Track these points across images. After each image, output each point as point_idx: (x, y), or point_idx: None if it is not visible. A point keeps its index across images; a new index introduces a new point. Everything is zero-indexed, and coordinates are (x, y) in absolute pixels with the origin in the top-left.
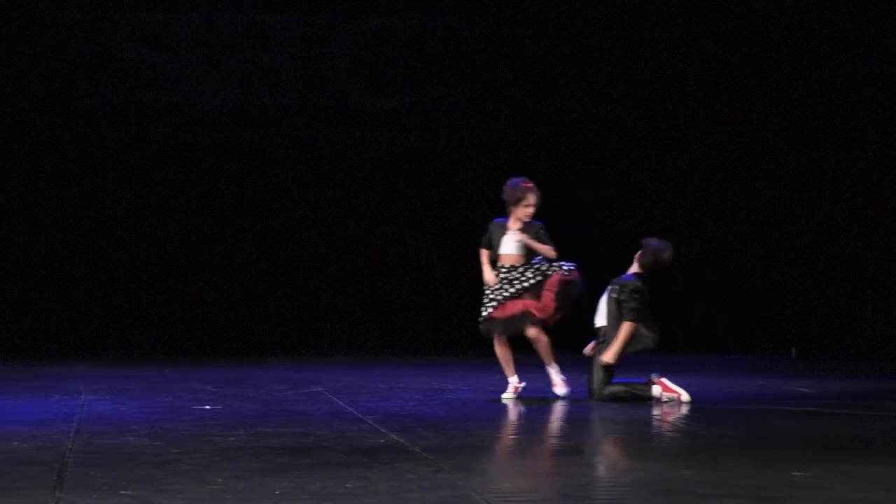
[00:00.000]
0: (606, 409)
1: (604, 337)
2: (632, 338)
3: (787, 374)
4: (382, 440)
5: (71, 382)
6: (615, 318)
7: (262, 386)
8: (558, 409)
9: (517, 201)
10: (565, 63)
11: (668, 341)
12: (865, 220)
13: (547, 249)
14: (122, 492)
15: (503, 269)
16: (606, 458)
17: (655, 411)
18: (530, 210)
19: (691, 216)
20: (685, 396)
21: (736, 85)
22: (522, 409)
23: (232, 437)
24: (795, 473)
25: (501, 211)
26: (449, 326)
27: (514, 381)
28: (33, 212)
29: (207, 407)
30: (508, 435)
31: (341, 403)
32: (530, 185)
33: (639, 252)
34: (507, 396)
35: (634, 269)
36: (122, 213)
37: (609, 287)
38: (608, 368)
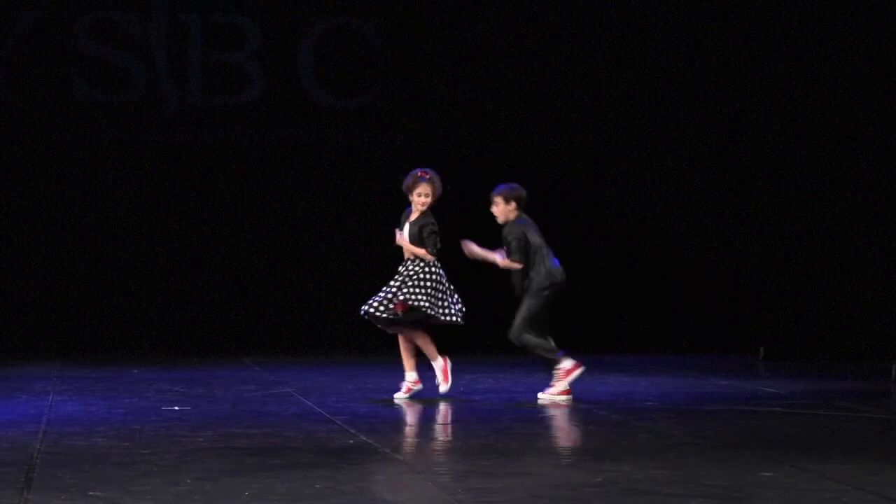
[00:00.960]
0: (567, 410)
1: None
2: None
3: (756, 375)
4: (351, 441)
5: (38, 383)
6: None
7: (231, 386)
8: (522, 410)
9: (409, 191)
10: (565, 63)
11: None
12: (865, 220)
13: (421, 252)
14: (90, 493)
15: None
16: (577, 458)
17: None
18: (423, 200)
19: (691, 216)
20: (564, 401)
21: (736, 85)
22: (483, 408)
23: (200, 438)
24: (764, 474)
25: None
26: (498, 328)
27: (410, 377)
28: (28, 212)
29: (176, 408)
30: (477, 434)
31: (310, 404)
32: (427, 174)
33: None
34: (400, 396)
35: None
36: (121, 213)
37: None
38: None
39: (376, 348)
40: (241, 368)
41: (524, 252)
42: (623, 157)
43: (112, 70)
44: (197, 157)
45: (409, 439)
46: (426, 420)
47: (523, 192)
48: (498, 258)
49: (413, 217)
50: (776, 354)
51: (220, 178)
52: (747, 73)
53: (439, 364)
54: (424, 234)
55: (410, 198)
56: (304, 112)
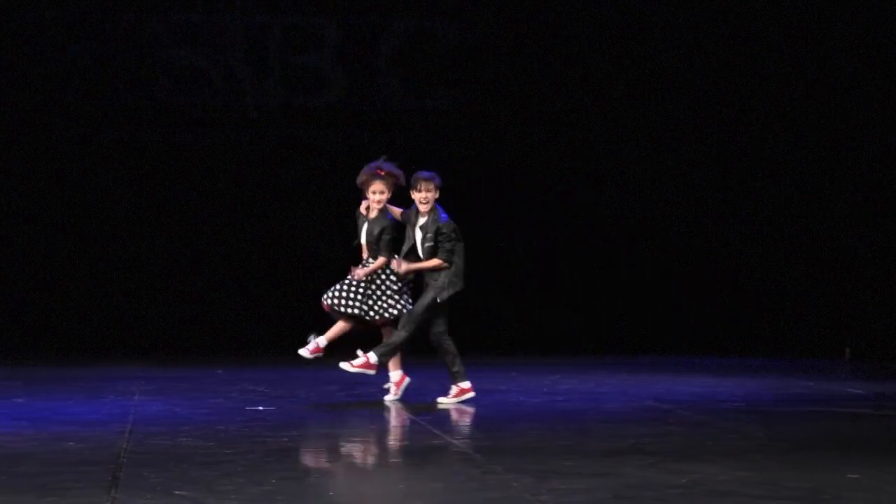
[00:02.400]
0: (642, 411)
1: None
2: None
3: (842, 376)
4: (434, 441)
5: (123, 383)
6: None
7: (314, 387)
8: (605, 410)
9: (362, 187)
10: (564, 63)
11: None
12: (865, 219)
13: (378, 263)
14: (175, 492)
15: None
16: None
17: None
18: (377, 197)
19: (691, 216)
20: (457, 411)
21: (736, 85)
22: (566, 408)
23: (284, 438)
24: (849, 476)
25: (500, 209)
26: (499, 327)
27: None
28: (50, 212)
29: (260, 408)
30: (560, 436)
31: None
32: (381, 172)
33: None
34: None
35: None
36: (128, 214)
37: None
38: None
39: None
40: (324, 368)
41: (454, 253)
42: (623, 157)
43: (191, 72)
44: (277, 157)
45: (491, 439)
46: (507, 420)
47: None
48: (433, 263)
49: (372, 215)
50: (862, 355)
51: (285, 179)
52: (747, 73)
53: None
54: (385, 238)
55: (365, 194)
56: (381, 114)
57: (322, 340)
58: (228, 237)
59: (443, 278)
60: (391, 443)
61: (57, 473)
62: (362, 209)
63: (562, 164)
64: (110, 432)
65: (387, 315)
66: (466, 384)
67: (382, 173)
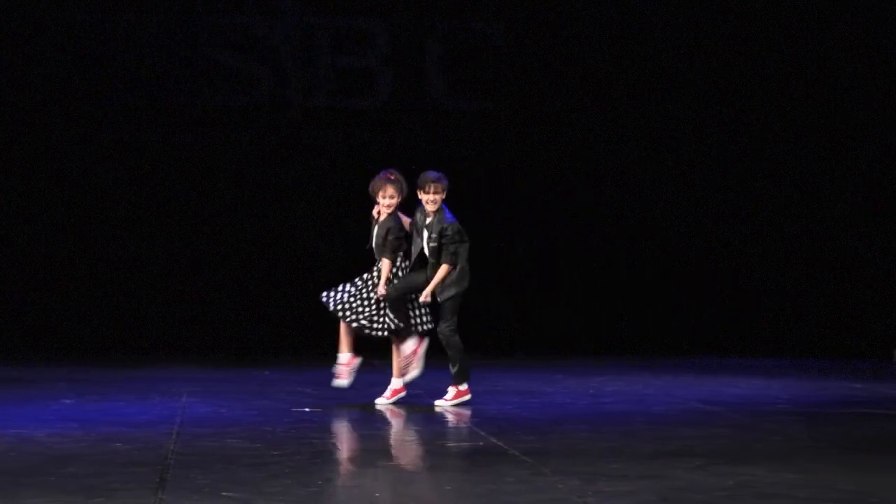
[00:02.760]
0: (694, 413)
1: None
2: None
3: (889, 378)
4: (481, 443)
5: (171, 384)
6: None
7: (361, 389)
8: (651, 413)
9: (374, 193)
10: (564, 63)
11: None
12: (865, 220)
13: (384, 265)
14: (222, 493)
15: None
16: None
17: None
18: (387, 202)
19: (691, 216)
20: (410, 376)
21: (736, 85)
22: (612, 410)
23: (330, 440)
24: None
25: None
26: (499, 327)
27: (344, 357)
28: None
29: (307, 409)
30: (607, 438)
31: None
32: (392, 176)
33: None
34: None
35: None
36: (128, 214)
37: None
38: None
39: (502, 350)
40: (369, 371)
41: (458, 254)
42: (623, 157)
43: (237, 73)
44: (324, 159)
45: (537, 441)
46: (554, 422)
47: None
48: (442, 274)
49: (382, 218)
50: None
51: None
52: (747, 73)
53: (345, 357)
54: (390, 238)
55: (377, 200)
56: (429, 116)
57: (343, 357)
58: (229, 237)
59: (448, 278)
60: (438, 445)
61: (105, 474)
62: (375, 213)
63: (562, 164)
64: (158, 433)
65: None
66: (464, 387)
67: (393, 177)
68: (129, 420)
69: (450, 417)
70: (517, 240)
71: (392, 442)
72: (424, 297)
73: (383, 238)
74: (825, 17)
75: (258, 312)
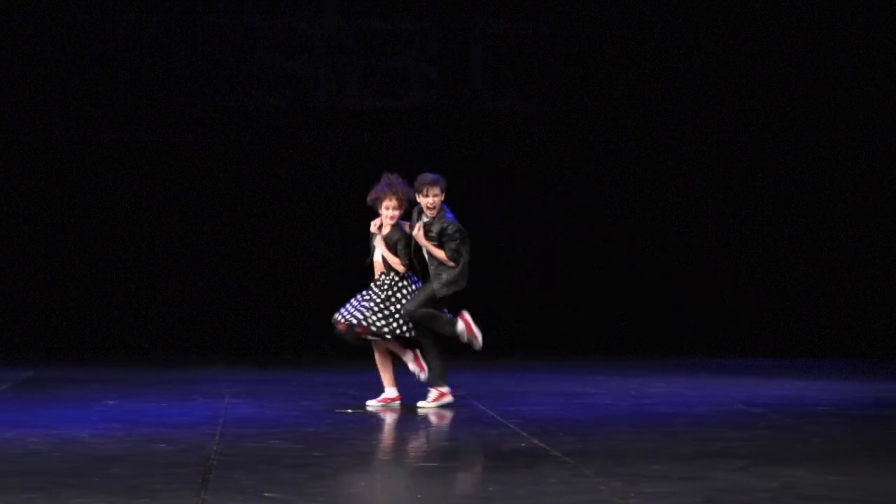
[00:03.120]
0: (733, 413)
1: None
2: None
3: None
4: (523, 444)
5: (213, 385)
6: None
7: (402, 390)
8: (694, 413)
9: (374, 205)
10: (564, 63)
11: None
12: (865, 219)
13: (395, 262)
14: (265, 494)
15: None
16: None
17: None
18: (389, 213)
19: (691, 216)
20: (479, 343)
21: (736, 85)
22: (654, 411)
23: (373, 441)
24: None
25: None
26: (499, 327)
27: (390, 392)
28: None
29: (349, 410)
30: (649, 439)
31: (482, 407)
32: (393, 187)
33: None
34: (373, 404)
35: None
36: (129, 214)
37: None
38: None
39: (544, 350)
40: (412, 372)
41: (461, 252)
42: (623, 157)
43: (270, 73)
44: (364, 158)
45: (579, 442)
46: (596, 423)
47: None
48: (442, 255)
49: (385, 231)
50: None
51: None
52: (747, 73)
53: (410, 356)
54: (399, 249)
55: (378, 211)
56: (472, 116)
57: (391, 391)
58: (229, 237)
59: (446, 276)
60: (480, 445)
61: (148, 475)
62: (374, 227)
63: (562, 164)
64: (201, 434)
65: (399, 332)
66: (445, 388)
67: (394, 188)
68: (172, 421)
69: (434, 419)
70: (517, 240)
71: (434, 443)
72: (417, 235)
73: (394, 251)
74: (825, 17)
75: (258, 312)
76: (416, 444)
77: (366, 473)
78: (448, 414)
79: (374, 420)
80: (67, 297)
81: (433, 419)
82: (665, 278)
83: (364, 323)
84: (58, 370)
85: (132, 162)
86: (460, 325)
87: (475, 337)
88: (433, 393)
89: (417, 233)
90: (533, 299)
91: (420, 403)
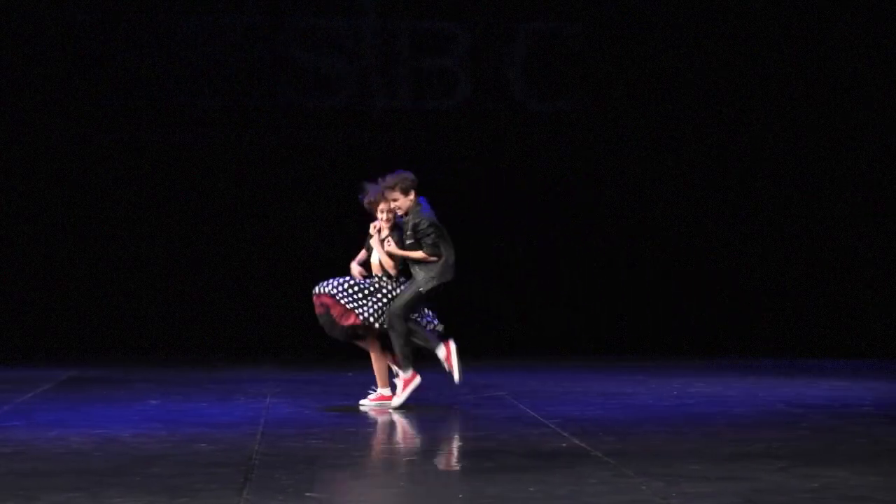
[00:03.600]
0: (771, 413)
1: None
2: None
3: None
4: (563, 444)
5: (255, 385)
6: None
7: (444, 390)
8: (734, 414)
9: (371, 208)
10: (564, 63)
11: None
12: (865, 219)
13: (389, 265)
14: (306, 494)
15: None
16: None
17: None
18: (385, 216)
19: (691, 216)
20: (457, 377)
21: (736, 85)
22: (694, 412)
23: (413, 441)
24: None
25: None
26: (499, 327)
27: (384, 391)
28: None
29: (389, 410)
30: (689, 439)
31: (522, 407)
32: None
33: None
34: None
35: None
36: (129, 214)
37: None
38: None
39: (583, 350)
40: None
41: (439, 245)
42: (623, 156)
43: (320, 75)
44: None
45: (620, 442)
46: (637, 423)
47: (413, 177)
48: (419, 254)
49: (384, 234)
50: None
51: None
52: (747, 73)
53: (442, 352)
54: (406, 243)
55: (375, 214)
56: (509, 116)
57: (390, 392)
58: (229, 237)
59: (428, 272)
60: (521, 445)
61: (189, 475)
62: (373, 230)
63: (562, 164)
64: (242, 434)
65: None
66: (409, 373)
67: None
68: (214, 421)
69: (398, 416)
70: (517, 240)
71: (474, 443)
72: (390, 249)
73: (402, 246)
74: (825, 17)
75: (258, 312)
76: (457, 443)
77: (406, 474)
78: (489, 413)
79: (415, 420)
80: (67, 297)
81: (473, 418)
82: (665, 278)
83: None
84: (100, 370)
85: (132, 162)
86: (441, 352)
87: (453, 369)
88: (400, 383)
89: (389, 247)
90: (533, 299)
91: (393, 400)
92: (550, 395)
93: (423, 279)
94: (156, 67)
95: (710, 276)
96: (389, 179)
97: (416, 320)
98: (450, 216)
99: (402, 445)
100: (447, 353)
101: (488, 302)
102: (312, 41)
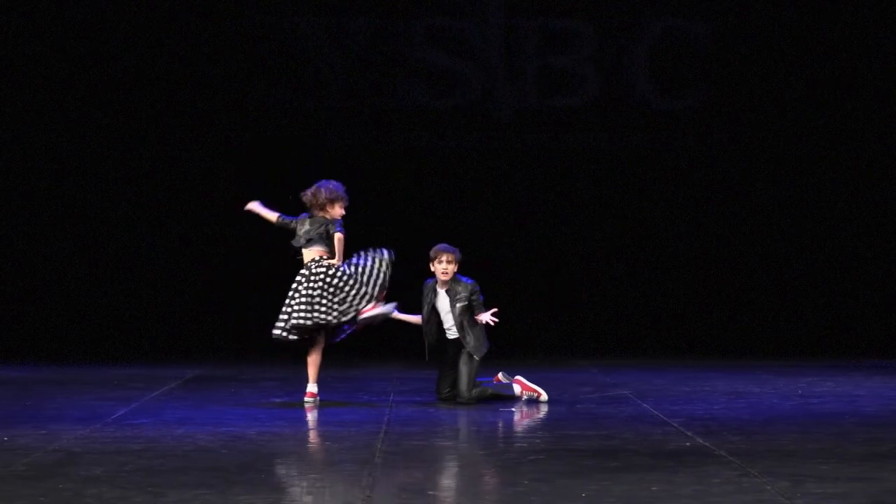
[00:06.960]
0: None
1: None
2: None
3: None
4: (687, 443)
5: (379, 384)
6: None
7: (567, 388)
8: (863, 413)
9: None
10: (565, 63)
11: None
12: (865, 219)
13: (339, 258)
14: (428, 492)
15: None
16: None
17: (518, 412)
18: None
19: (691, 216)
20: (544, 395)
21: (736, 84)
22: (822, 411)
23: (537, 440)
24: None
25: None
26: (547, 329)
27: (312, 387)
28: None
29: (513, 409)
30: (816, 439)
31: (646, 406)
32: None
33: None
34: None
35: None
36: (130, 214)
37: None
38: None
39: (710, 349)
40: (577, 370)
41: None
42: (623, 156)
43: (446, 75)
44: (531, 160)
45: (745, 442)
46: (762, 423)
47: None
48: (486, 317)
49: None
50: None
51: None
52: (747, 72)
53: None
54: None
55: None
56: (635, 116)
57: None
58: (229, 237)
59: (474, 339)
60: (646, 445)
61: (313, 472)
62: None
63: (561, 164)
64: (366, 432)
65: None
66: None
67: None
68: (338, 419)
69: (519, 416)
70: (517, 239)
71: (598, 442)
72: (485, 317)
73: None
74: (825, 17)
75: (258, 312)
76: (581, 441)
77: (529, 472)
78: (613, 412)
79: (538, 419)
80: (67, 297)
81: (596, 417)
82: (665, 278)
83: (334, 319)
84: (225, 368)
85: (133, 162)
86: (517, 389)
87: (535, 391)
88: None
89: (486, 316)
90: (533, 299)
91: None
92: (674, 395)
93: (473, 347)
94: (160, 67)
95: (710, 276)
96: (446, 246)
97: (481, 385)
98: (583, 211)
99: (525, 444)
100: (522, 386)
101: (488, 303)
102: (439, 41)
